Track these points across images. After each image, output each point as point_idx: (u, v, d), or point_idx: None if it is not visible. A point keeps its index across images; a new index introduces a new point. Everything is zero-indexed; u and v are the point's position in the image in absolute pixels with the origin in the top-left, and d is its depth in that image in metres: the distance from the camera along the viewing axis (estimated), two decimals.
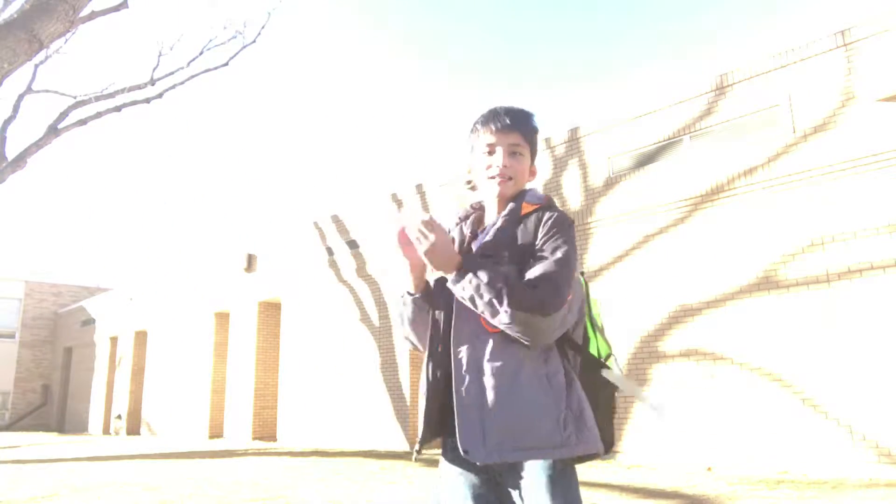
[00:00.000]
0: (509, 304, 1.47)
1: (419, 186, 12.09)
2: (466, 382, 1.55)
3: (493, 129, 1.70)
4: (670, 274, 8.28)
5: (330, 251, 13.77)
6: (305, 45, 62.49)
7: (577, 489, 1.54)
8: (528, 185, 1.76)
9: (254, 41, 15.69)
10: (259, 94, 62.92)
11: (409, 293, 1.71)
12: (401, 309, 1.73)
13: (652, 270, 8.47)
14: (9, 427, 25.31)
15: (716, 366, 7.69)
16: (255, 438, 14.94)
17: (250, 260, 16.04)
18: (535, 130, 1.75)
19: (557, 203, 1.92)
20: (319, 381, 13.40)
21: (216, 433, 16.52)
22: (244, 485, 6.93)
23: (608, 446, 1.67)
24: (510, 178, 1.69)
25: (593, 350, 1.73)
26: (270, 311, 15.67)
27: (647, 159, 8.86)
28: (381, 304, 12.39)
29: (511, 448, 1.49)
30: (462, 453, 1.52)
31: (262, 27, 15.71)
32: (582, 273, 1.78)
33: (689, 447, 7.70)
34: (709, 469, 7.22)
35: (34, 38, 7.02)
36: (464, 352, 1.58)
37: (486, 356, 1.55)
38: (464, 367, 1.57)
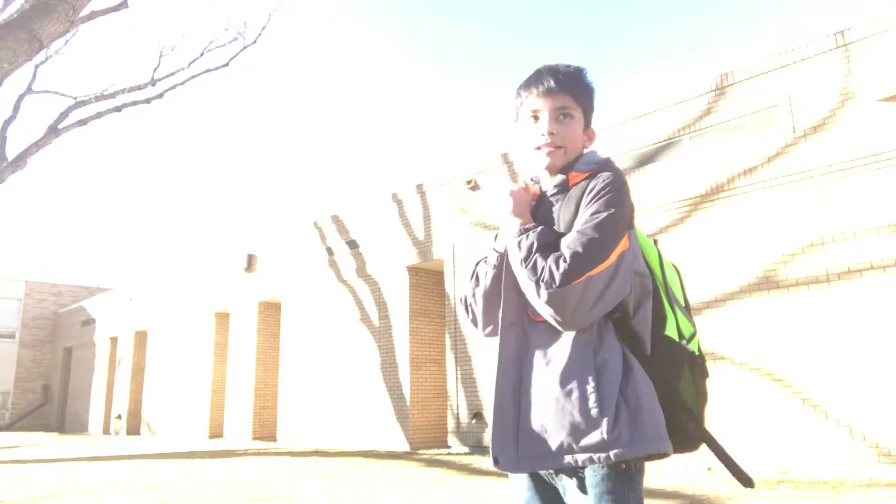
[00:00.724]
0: (528, 271, 1.36)
1: (419, 186, 12.08)
2: (506, 378, 1.41)
3: (537, 92, 1.51)
4: None
5: (330, 251, 13.77)
6: (306, 45, 62.51)
7: (634, 499, 1.35)
8: (586, 151, 1.56)
9: (254, 42, 15.71)
10: (259, 94, 62.96)
11: (495, 250, 1.55)
12: (482, 269, 1.56)
13: None
14: (9, 427, 25.31)
15: (716, 366, 7.68)
16: (255, 438, 14.94)
17: (250, 260, 16.04)
18: (587, 89, 1.54)
19: None
20: (319, 381, 13.40)
21: (216, 433, 16.52)
22: (244, 485, 6.92)
23: (693, 442, 1.46)
24: (559, 147, 1.50)
25: (671, 330, 1.46)
26: (270, 311, 15.67)
27: (647, 159, 8.86)
28: (381, 304, 12.39)
29: (545, 454, 1.34)
30: (493, 462, 1.40)
31: (263, 28, 15.74)
32: (655, 240, 1.58)
33: None
34: (709, 469, 7.21)
35: (34, 38, 7.02)
36: (508, 342, 1.44)
37: (529, 347, 1.41)
38: (507, 359, 1.43)
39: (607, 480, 1.32)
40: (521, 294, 1.44)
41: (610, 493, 1.32)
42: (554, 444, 1.34)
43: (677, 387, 1.44)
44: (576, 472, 1.36)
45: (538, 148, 1.51)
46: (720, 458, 1.44)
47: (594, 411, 1.31)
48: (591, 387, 1.33)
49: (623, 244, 1.38)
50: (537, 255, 1.37)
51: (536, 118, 1.52)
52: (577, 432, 1.32)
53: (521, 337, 1.44)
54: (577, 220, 1.40)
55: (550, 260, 1.34)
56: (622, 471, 1.33)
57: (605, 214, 1.37)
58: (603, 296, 1.33)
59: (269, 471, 8.24)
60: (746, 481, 1.43)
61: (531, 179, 1.62)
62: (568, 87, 1.50)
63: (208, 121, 61.95)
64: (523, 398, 1.39)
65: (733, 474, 1.44)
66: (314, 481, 7.12)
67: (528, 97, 1.54)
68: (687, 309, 1.56)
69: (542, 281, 1.33)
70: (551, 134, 1.49)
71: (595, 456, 1.30)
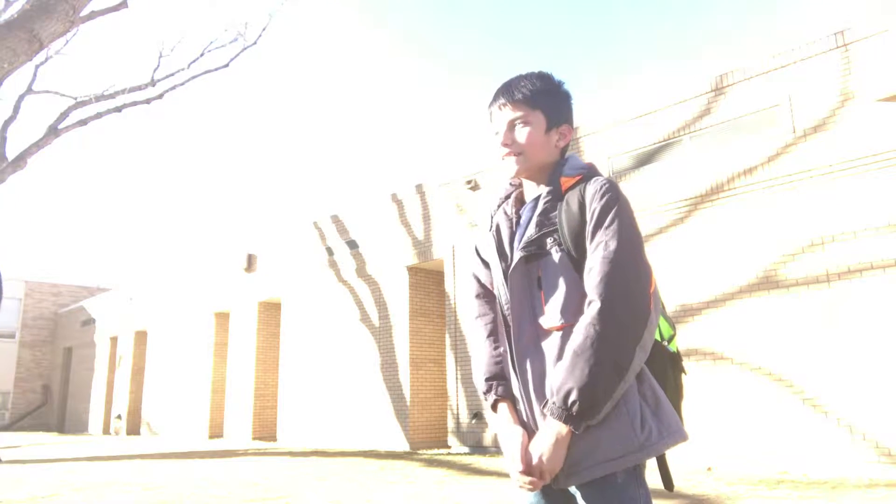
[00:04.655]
0: (612, 358, 1.32)
1: (419, 186, 12.09)
2: (538, 400, 1.43)
3: (493, 109, 1.62)
4: (670, 274, 8.28)
5: (330, 251, 13.78)
6: (306, 45, 62.51)
7: (644, 495, 1.40)
8: (568, 157, 1.61)
9: (254, 43, 15.70)
10: (259, 94, 62.96)
11: (495, 399, 1.55)
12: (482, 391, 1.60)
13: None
14: (9, 427, 25.30)
15: (716, 366, 7.69)
16: (255, 438, 14.94)
17: (250, 260, 16.05)
18: (545, 92, 1.58)
19: None
20: (319, 381, 13.40)
21: (216, 433, 16.52)
22: (244, 485, 6.92)
23: None
24: (519, 154, 1.56)
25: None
26: (270, 311, 15.68)
27: (647, 159, 8.86)
28: (381, 304, 12.40)
29: (590, 465, 1.35)
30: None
31: (263, 29, 15.72)
32: None
33: (689, 447, 7.68)
34: (709, 469, 7.22)
35: (34, 38, 7.02)
36: (528, 365, 1.46)
37: (550, 364, 1.43)
38: (531, 384, 1.45)
39: (619, 479, 1.37)
40: (533, 307, 1.48)
41: (622, 491, 1.37)
42: (595, 455, 1.35)
43: (664, 385, 1.51)
44: (590, 484, 1.38)
45: (503, 159, 1.59)
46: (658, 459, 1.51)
47: (623, 416, 1.36)
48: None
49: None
50: (594, 346, 1.32)
51: (497, 133, 1.60)
52: (615, 440, 1.35)
53: (539, 355, 1.46)
54: (594, 240, 1.41)
55: (612, 310, 1.34)
56: (631, 468, 1.37)
57: (619, 229, 1.41)
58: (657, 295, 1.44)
59: (269, 471, 8.24)
60: (669, 486, 1.53)
61: (510, 183, 1.70)
62: (520, 99, 1.57)
63: (208, 121, 61.99)
64: None
65: (662, 475, 1.52)
66: (314, 481, 7.12)
67: (490, 115, 1.63)
68: (664, 311, 1.62)
69: (629, 331, 1.34)
70: (506, 145, 1.57)
71: (634, 458, 1.35)
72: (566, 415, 1.32)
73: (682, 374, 1.61)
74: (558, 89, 1.61)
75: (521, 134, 1.56)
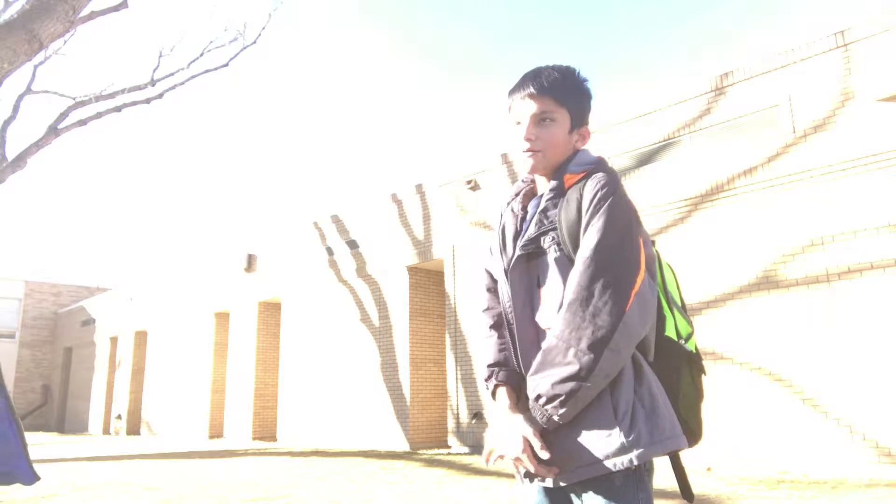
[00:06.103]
0: (586, 367, 1.29)
1: (419, 186, 12.08)
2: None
3: (519, 98, 1.53)
4: None
5: (330, 251, 13.77)
6: (305, 45, 62.50)
7: (644, 499, 1.36)
8: (579, 150, 1.55)
9: (254, 42, 15.68)
10: (259, 94, 62.95)
11: (495, 384, 1.54)
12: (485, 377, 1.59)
13: None
14: None
15: (716, 366, 7.69)
16: (255, 438, 14.94)
17: (250, 260, 16.04)
18: (573, 89, 1.53)
19: None
20: (319, 381, 13.40)
21: (216, 433, 16.52)
22: (244, 485, 6.92)
23: (694, 437, 1.51)
24: (538, 151, 1.50)
25: (670, 330, 1.50)
26: (270, 311, 15.68)
27: (647, 159, 8.86)
28: (381, 304, 12.39)
29: (576, 466, 1.34)
30: (529, 479, 1.43)
31: (263, 28, 15.70)
32: (652, 241, 1.57)
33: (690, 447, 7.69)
34: (709, 469, 7.22)
35: (34, 38, 7.01)
36: (532, 363, 1.43)
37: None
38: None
39: (617, 481, 1.34)
40: (532, 306, 1.47)
41: (620, 494, 1.34)
42: (582, 456, 1.33)
43: (678, 385, 1.48)
44: (595, 478, 1.36)
45: (523, 152, 1.53)
46: (675, 467, 1.48)
47: (608, 417, 1.33)
48: (607, 395, 1.34)
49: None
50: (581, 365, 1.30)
51: (519, 124, 1.54)
52: (600, 440, 1.32)
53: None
54: (585, 233, 1.39)
55: (590, 312, 1.31)
56: (631, 471, 1.34)
57: (608, 221, 1.36)
58: (647, 295, 1.37)
59: (269, 471, 8.24)
60: (688, 496, 1.49)
61: (521, 181, 1.65)
62: (549, 91, 1.50)
63: (208, 121, 61.99)
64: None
65: (680, 486, 1.49)
66: (314, 481, 7.12)
67: (513, 103, 1.56)
68: (683, 309, 1.59)
69: (607, 333, 1.30)
70: (529, 139, 1.51)
71: (619, 461, 1.30)
72: (539, 412, 1.35)
73: (702, 375, 1.56)
74: (583, 87, 1.56)
75: (546, 131, 1.51)
